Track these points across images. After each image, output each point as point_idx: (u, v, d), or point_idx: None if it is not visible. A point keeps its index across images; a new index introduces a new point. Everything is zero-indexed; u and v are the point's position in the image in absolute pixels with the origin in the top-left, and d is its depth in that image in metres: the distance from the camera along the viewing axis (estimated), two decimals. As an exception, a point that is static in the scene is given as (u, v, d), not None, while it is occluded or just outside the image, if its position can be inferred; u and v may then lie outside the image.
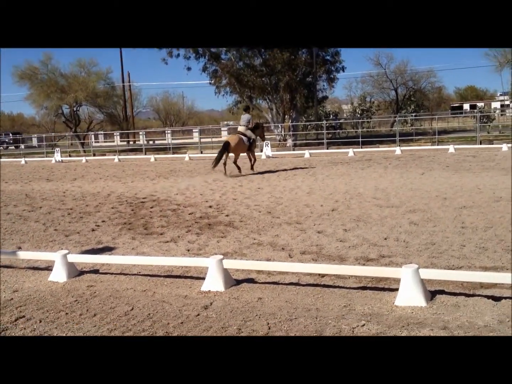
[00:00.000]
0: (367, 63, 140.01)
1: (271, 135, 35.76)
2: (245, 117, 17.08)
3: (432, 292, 4.82)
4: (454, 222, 7.78)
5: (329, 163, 19.49)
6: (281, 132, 33.46)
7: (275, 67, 30.78)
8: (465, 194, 10.19)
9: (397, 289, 4.73)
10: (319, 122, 34.11)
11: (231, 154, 16.68)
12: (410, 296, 4.56)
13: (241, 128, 16.99)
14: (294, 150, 28.94)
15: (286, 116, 33.76)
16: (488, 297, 4.61)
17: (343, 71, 35.01)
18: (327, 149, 27.82)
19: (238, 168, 16.63)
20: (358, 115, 48.74)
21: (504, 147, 21.10)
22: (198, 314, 4.62)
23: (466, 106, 70.78)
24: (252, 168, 17.33)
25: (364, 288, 5.15)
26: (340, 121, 47.02)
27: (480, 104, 59.56)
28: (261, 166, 19.34)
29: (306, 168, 18.19)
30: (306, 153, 24.28)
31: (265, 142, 24.38)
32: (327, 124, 31.69)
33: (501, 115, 53.29)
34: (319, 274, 5.56)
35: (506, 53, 30.65)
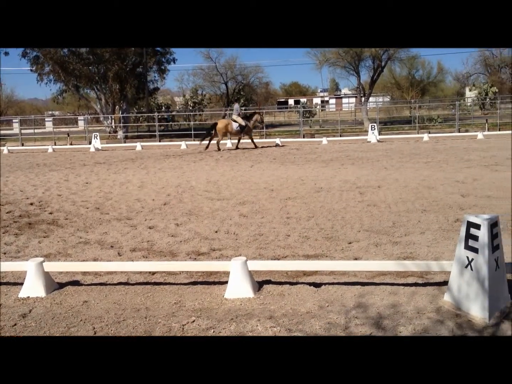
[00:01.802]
0: (198, 56, 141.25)
1: (101, 126, 34.38)
2: (234, 106, 21.58)
3: (260, 283, 4.97)
4: (280, 212, 8.16)
5: (162, 156, 19.28)
6: (111, 123, 32.32)
7: (103, 55, 29.54)
8: (290, 185, 10.77)
9: (227, 282, 4.79)
10: (151, 114, 33.63)
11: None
12: (239, 288, 4.66)
13: (233, 116, 20.90)
14: (125, 142, 28.13)
15: (116, 107, 32.67)
16: (310, 284, 4.89)
17: (174, 62, 34.93)
18: (160, 141, 27.53)
19: (218, 147, 20.67)
20: (190, 108, 49.00)
21: (324, 140, 22.80)
22: (15, 324, 4.20)
23: (291, 101, 75.05)
24: (237, 147, 21.38)
25: (195, 283, 5.14)
26: (173, 113, 46.85)
27: (303, 100, 63.55)
28: (89, 159, 18.49)
29: (137, 160, 17.79)
30: (138, 145, 23.78)
31: (93, 134, 23.62)
32: (159, 116, 31.31)
33: (322, 110, 57.57)
34: (149, 272, 5.42)
35: (325, 52, 33.01)
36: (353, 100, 62.84)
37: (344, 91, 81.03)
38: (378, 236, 6.53)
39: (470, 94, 48.26)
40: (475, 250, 3.95)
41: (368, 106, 35.47)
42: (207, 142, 20.91)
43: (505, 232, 6.27)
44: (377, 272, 5.07)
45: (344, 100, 72.48)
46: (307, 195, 9.55)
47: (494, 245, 3.95)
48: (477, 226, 3.93)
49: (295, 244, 6.38)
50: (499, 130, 24.76)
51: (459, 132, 25.27)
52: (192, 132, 27.90)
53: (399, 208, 8.13)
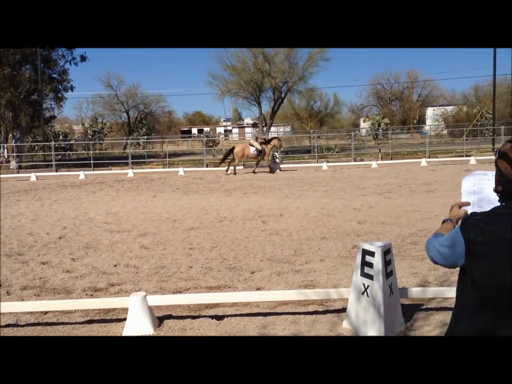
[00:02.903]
0: (97, 84, 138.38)
1: (-8, 156, 32.35)
2: (252, 131, 22.60)
3: (160, 318, 4.81)
4: (183, 243, 8.03)
5: (58, 187, 18.44)
6: (3, 153, 30.53)
7: (-6, 82, 27.98)
8: (193, 215, 10.67)
9: (125, 319, 4.59)
10: (47, 143, 32.21)
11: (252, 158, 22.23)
12: (138, 325, 4.47)
13: (251, 140, 21.83)
14: (18, 173, 26.63)
15: (9, 136, 30.94)
16: (212, 317, 4.81)
17: (72, 90, 33.80)
18: (56, 171, 26.36)
19: (234, 170, 21.46)
20: (90, 136, 47.65)
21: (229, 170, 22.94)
22: None
23: (194, 130, 75.40)
24: (254, 171, 21.56)
25: (91, 321, 4.87)
26: (71, 142, 45.23)
27: (206, 129, 64.02)
28: (-22, 191, 17.28)
29: (31, 192, 16.86)
30: (32, 176, 22.61)
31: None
32: (56, 145, 30.05)
33: (225, 139, 58.21)
34: (41, 312, 5.08)
35: (226, 82, 33.58)
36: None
37: (247, 120, 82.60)
38: (280, 265, 6.60)
39: (364, 125, 51.09)
40: (370, 277, 4.08)
41: (270, 135, 36.37)
42: (227, 167, 21.62)
43: (398, 258, 6.57)
44: (279, 301, 5.09)
45: (247, 130, 73.85)
46: (210, 225, 9.50)
47: (388, 272, 4.11)
48: (372, 254, 4.07)
49: (197, 275, 6.28)
50: (391, 159, 26.25)
51: (355, 161, 26.49)
52: (92, 161, 27.01)
53: (300, 236, 8.29)
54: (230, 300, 4.90)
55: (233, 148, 21.87)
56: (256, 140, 21.61)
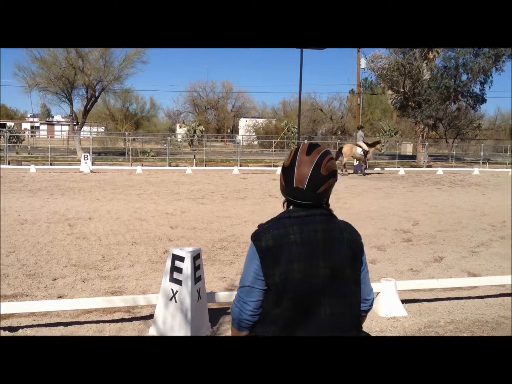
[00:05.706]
0: None
1: None
2: (359, 133, 23.72)
3: None
4: (-26, 248, 7.19)
5: None
6: None
7: None
8: (-11, 217, 9.64)
9: None
10: None
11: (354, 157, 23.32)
12: None
13: (358, 141, 23.04)
14: None
15: None
16: (4, 328, 4.34)
17: None
18: None
19: (344, 167, 23.39)
20: None
21: (33, 168, 21.30)
22: None
23: (-4, 125, 68.78)
24: (363, 172, 23.40)
25: None
26: None
27: (10, 124, 58.70)
28: None
29: None
30: None
31: None
32: None
33: (31, 136, 54.11)
34: None
35: (34, 75, 31.04)
36: (66, 128, 60.73)
37: (57, 118, 77.74)
38: (86, 271, 6.25)
39: (180, 131, 51.52)
40: (179, 282, 4.05)
41: (81, 135, 34.66)
42: (341, 167, 22.95)
43: (208, 263, 6.68)
44: (82, 310, 4.79)
45: (57, 128, 69.47)
46: (8, 228, 8.65)
47: (197, 277, 4.12)
48: (181, 259, 4.04)
49: (-12, 284, 5.64)
50: (206, 166, 26.84)
51: (170, 166, 26.50)
52: None
53: (109, 240, 7.97)
54: (25, 310, 4.48)
55: (341, 148, 23.20)
56: (363, 142, 22.99)
